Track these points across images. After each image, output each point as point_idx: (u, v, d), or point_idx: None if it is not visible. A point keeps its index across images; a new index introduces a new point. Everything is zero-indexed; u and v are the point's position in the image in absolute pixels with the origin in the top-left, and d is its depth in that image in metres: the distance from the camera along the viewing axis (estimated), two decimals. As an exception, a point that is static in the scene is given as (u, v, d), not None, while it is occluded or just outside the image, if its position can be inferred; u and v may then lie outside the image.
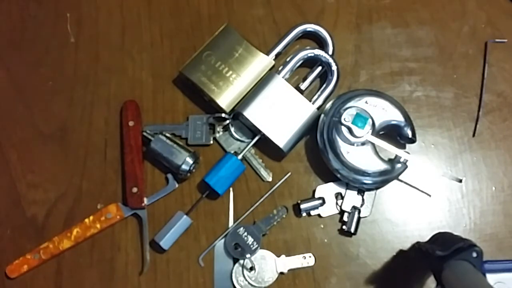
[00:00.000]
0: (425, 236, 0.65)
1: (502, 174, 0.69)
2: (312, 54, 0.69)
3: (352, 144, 0.65)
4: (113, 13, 0.74)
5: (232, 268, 0.66)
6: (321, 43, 0.72)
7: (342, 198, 0.67)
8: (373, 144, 0.65)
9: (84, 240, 0.66)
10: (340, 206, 0.67)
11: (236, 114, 0.68)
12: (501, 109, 0.71)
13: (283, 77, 0.68)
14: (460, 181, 0.67)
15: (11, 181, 0.69)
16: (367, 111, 0.65)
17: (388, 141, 0.65)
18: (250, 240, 0.65)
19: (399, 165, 0.65)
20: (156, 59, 0.73)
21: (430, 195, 0.68)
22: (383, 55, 0.73)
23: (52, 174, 0.69)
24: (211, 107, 0.70)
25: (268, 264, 0.66)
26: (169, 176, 0.68)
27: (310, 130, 0.68)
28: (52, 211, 0.68)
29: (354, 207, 0.66)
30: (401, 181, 0.68)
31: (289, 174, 0.69)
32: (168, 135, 0.68)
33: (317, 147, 0.67)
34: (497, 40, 0.72)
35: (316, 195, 0.67)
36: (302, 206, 0.67)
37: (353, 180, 0.65)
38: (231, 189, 0.68)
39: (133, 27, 0.74)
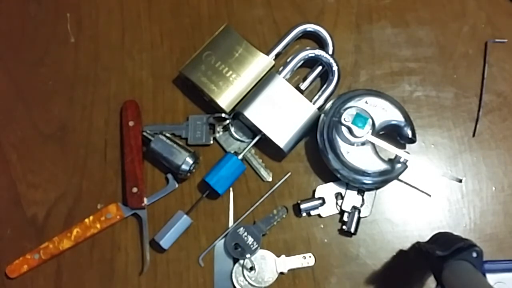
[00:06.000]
0: (425, 236, 0.65)
1: (502, 174, 0.69)
2: (313, 54, 0.69)
3: (352, 144, 0.65)
4: (113, 13, 0.74)
5: (232, 268, 0.66)
6: (321, 43, 0.72)
7: (342, 198, 0.67)
8: (373, 144, 0.65)
9: (84, 240, 0.66)
10: (340, 206, 0.67)
11: (237, 114, 0.68)
12: (501, 109, 0.71)
13: (283, 77, 0.68)
14: (460, 181, 0.67)
15: (11, 181, 0.69)
16: (367, 111, 0.65)
17: (388, 141, 0.65)
18: (250, 240, 0.65)
19: (399, 165, 0.65)
20: (156, 59, 0.73)
21: (430, 195, 0.68)
22: (383, 55, 0.73)
23: (52, 174, 0.69)
24: (211, 107, 0.70)
25: (268, 264, 0.66)
26: (169, 176, 0.68)
27: (310, 130, 0.68)
28: (52, 211, 0.68)
29: (354, 207, 0.66)
30: (401, 181, 0.68)
31: (289, 174, 0.69)
32: (168, 135, 0.68)
33: (317, 147, 0.67)
34: (497, 40, 0.72)
35: (316, 195, 0.67)
36: (302, 206, 0.67)
37: (353, 180, 0.65)
38: (231, 189, 0.68)
39: (133, 27, 0.74)
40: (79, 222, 0.67)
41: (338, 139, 0.65)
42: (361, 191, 0.67)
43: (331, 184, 0.68)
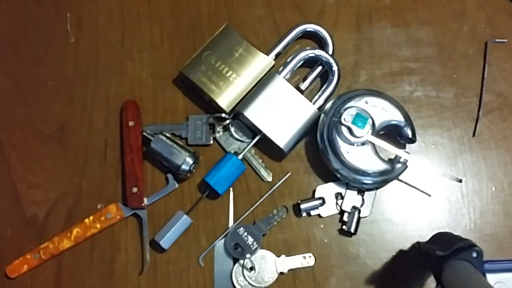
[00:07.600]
0: (425, 236, 0.65)
1: (502, 174, 0.69)
2: (313, 54, 0.69)
3: (352, 144, 0.65)
4: (113, 13, 0.74)
5: (232, 268, 0.66)
6: (321, 43, 0.72)
7: (342, 198, 0.67)
8: (373, 144, 0.65)
9: (84, 240, 0.66)
10: (340, 206, 0.67)
11: (237, 114, 0.68)
12: (501, 109, 0.71)
13: (283, 77, 0.68)
14: (460, 181, 0.67)
15: (11, 181, 0.69)
16: (367, 111, 0.65)
17: (388, 141, 0.65)
18: (250, 240, 0.65)
19: (399, 165, 0.65)
20: (156, 59, 0.73)
21: (430, 195, 0.68)
22: (383, 55, 0.73)
23: (52, 174, 0.69)
24: (211, 107, 0.70)
25: (268, 264, 0.66)
26: (169, 176, 0.68)
27: (310, 130, 0.68)
28: (52, 211, 0.68)
29: (354, 207, 0.66)
30: (401, 181, 0.68)
31: (289, 174, 0.69)
32: (168, 135, 0.68)
33: (317, 147, 0.67)
34: (497, 40, 0.72)
35: (316, 195, 0.67)
36: (302, 206, 0.67)
37: (353, 180, 0.65)
38: (231, 189, 0.68)
39: (133, 27, 0.74)
40: (79, 222, 0.67)
41: (338, 139, 0.65)
42: (361, 191, 0.67)
43: (331, 184, 0.68)
